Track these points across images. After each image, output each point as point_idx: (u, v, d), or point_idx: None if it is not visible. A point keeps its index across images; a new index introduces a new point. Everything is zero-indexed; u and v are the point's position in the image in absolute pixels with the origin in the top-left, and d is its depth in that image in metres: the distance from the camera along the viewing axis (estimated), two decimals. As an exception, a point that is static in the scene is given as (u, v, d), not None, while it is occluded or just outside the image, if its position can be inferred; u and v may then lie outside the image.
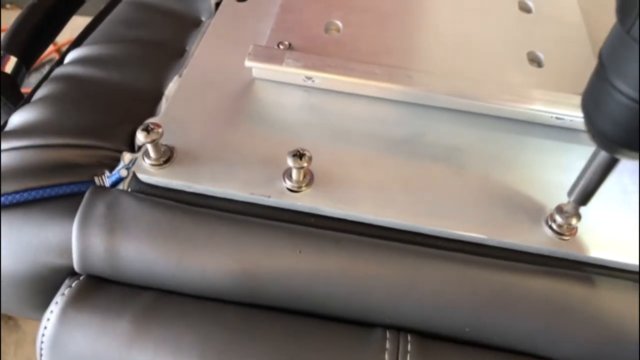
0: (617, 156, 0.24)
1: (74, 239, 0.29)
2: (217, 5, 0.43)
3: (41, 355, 0.29)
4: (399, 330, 0.29)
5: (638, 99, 0.20)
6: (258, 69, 0.34)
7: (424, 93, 0.33)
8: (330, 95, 0.35)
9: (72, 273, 0.30)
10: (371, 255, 0.28)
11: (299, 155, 0.28)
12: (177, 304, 0.29)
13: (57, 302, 0.29)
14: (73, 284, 0.29)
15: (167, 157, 0.30)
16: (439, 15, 0.41)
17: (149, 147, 0.30)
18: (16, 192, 0.30)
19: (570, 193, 0.27)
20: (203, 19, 0.43)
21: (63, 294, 0.29)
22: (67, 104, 0.35)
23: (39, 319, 0.34)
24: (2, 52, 0.43)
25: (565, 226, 0.28)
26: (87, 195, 0.30)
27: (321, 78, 0.34)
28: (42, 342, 0.29)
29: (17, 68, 0.43)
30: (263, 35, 0.38)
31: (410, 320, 0.28)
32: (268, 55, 0.34)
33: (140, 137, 0.29)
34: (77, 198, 0.30)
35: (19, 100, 0.41)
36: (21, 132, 0.33)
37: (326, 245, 0.28)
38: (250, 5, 0.42)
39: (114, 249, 0.29)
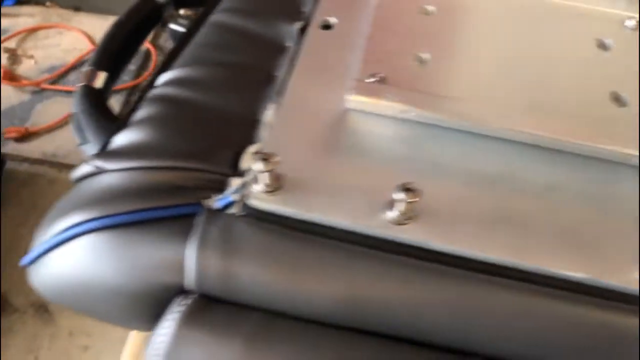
0: None
1: (192, 260, 0.30)
2: (301, 30, 0.45)
3: None
4: (496, 360, 0.30)
5: None
6: (353, 101, 0.36)
7: (521, 132, 0.35)
8: (424, 127, 0.36)
9: (181, 291, 0.32)
10: (476, 291, 0.30)
11: (408, 189, 0.29)
12: (287, 326, 0.30)
13: (172, 319, 0.31)
14: (187, 302, 0.31)
15: (277, 184, 0.32)
16: (519, 51, 0.42)
17: (263, 174, 0.31)
18: (130, 212, 0.32)
19: None
20: (287, 44, 0.45)
21: (177, 312, 0.31)
22: (170, 127, 0.37)
23: (139, 330, 0.36)
24: (92, 67, 0.45)
25: None
26: (203, 218, 0.31)
27: (419, 113, 0.35)
28: (155, 356, 0.31)
29: (106, 83, 0.45)
30: (351, 65, 0.40)
31: (509, 353, 0.30)
32: (368, 89, 0.35)
33: (259, 165, 0.30)
34: (186, 220, 0.32)
35: (109, 115, 0.43)
36: (130, 153, 0.35)
37: (432, 279, 0.30)
38: (336, 33, 0.43)
39: (229, 271, 0.30)
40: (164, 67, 0.43)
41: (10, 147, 1.28)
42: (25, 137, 1.29)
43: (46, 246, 0.34)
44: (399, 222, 0.31)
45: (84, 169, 0.35)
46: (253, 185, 0.32)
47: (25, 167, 1.27)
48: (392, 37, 0.41)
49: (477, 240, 0.31)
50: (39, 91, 1.36)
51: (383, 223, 0.31)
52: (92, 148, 0.41)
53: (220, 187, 0.34)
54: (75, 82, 1.38)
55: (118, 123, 0.39)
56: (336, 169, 0.33)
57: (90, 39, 1.45)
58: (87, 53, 1.42)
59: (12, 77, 1.35)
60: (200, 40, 0.44)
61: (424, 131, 0.36)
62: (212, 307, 0.31)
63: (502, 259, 0.30)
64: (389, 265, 0.30)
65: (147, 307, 0.33)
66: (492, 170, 0.34)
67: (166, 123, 0.37)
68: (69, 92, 1.35)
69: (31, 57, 1.40)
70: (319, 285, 0.30)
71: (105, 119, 0.42)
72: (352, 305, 0.30)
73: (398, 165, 0.34)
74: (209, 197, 0.33)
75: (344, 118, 0.36)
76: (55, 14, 1.50)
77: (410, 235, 0.31)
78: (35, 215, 1.23)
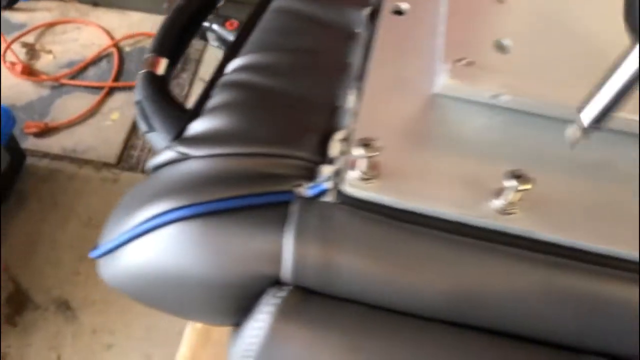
0: None
1: (290, 250, 0.29)
2: (370, 16, 0.43)
3: None
4: (610, 357, 0.29)
5: None
6: (446, 85, 0.34)
7: (620, 118, 0.33)
8: (517, 114, 0.35)
9: (274, 282, 0.30)
10: (591, 283, 0.28)
11: (519, 176, 0.28)
12: (389, 320, 0.29)
13: (266, 312, 0.29)
14: (282, 295, 0.29)
15: (374, 172, 0.30)
16: (601, 36, 0.40)
17: (361, 161, 0.30)
18: (221, 200, 0.30)
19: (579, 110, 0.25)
20: (357, 30, 0.43)
21: (273, 305, 0.29)
22: (250, 113, 0.35)
23: (220, 324, 0.35)
24: (153, 54, 0.44)
25: None
26: (298, 206, 0.30)
27: (514, 98, 0.34)
28: (247, 351, 0.29)
29: (167, 69, 0.44)
30: (432, 50, 0.38)
31: (625, 350, 0.28)
32: (462, 73, 0.34)
33: (359, 151, 0.29)
34: (280, 208, 0.31)
35: (175, 103, 0.42)
36: (215, 139, 0.33)
37: (544, 271, 0.28)
38: (409, 19, 0.42)
39: (329, 262, 0.29)
40: (231, 54, 0.42)
41: (30, 143, 1.26)
42: (44, 132, 1.27)
43: (126, 237, 0.32)
44: (505, 212, 0.30)
45: (166, 155, 0.33)
46: (348, 172, 0.31)
47: (45, 162, 1.26)
48: (469, 24, 0.40)
49: (587, 230, 0.29)
50: (58, 86, 1.34)
51: (490, 212, 0.29)
52: (159, 136, 0.40)
53: (309, 175, 0.32)
54: (94, 78, 1.37)
55: (190, 110, 0.38)
56: (432, 156, 0.32)
57: (109, 34, 1.44)
58: (106, 48, 1.40)
59: (30, 72, 1.33)
60: (267, 27, 0.43)
61: (518, 118, 0.34)
62: (309, 299, 0.29)
63: (614, 249, 0.29)
64: (498, 256, 0.28)
65: (234, 300, 0.31)
66: (591, 157, 0.33)
67: (245, 109, 0.35)
68: (88, 87, 1.34)
69: (49, 52, 1.38)
70: (425, 278, 0.28)
71: (172, 106, 0.41)
72: (458, 299, 0.28)
73: (496, 152, 0.33)
74: (299, 184, 0.31)
75: (433, 104, 0.35)
76: (73, 8, 1.48)
77: (520, 224, 0.29)
78: (56, 211, 1.21)
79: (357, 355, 0.28)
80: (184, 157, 0.33)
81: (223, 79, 0.39)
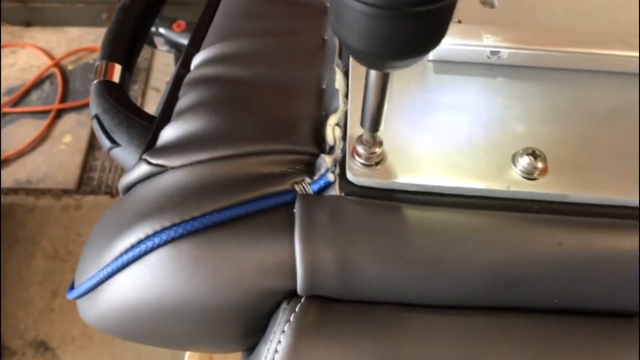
0: (382, 70, 0.22)
1: (300, 257, 0.25)
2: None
3: None
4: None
5: (371, 2, 0.17)
6: (440, 49, 0.31)
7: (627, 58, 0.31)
8: (515, 71, 0.32)
9: (287, 296, 0.27)
10: (631, 242, 0.26)
11: (532, 154, 0.26)
12: (426, 317, 0.26)
13: (284, 331, 0.25)
14: (298, 308, 0.26)
15: (379, 156, 0.27)
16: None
17: (364, 145, 0.26)
18: (216, 212, 0.26)
19: (362, 123, 0.25)
20: (328, 4, 0.40)
21: (289, 321, 0.26)
22: (229, 109, 0.31)
23: (225, 352, 0.31)
24: (104, 61, 0.39)
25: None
26: (300, 205, 0.26)
27: (514, 52, 0.31)
28: (270, 378, 0.26)
29: (123, 75, 0.39)
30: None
31: None
32: (463, 32, 0.31)
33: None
34: (281, 211, 0.27)
35: (138, 111, 0.37)
36: (194, 144, 0.29)
37: (586, 234, 0.26)
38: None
39: (347, 262, 0.25)
40: (193, 48, 0.37)
41: (-21, 180, 1.18)
42: (-7, 166, 1.19)
43: (107, 271, 0.28)
44: (530, 177, 0.27)
45: (139, 171, 0.29)
46: (352, 160, 0.27)
47: (-2, 199, 1.17)
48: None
49: (613, 184, 0.27)
50: (0, 115, 1.26)
51: (515, 180, 0.27)
52: (126, 151, 0.35)
53: (308, 169, 0.29)
54: (38, 102, 1.28)
55: (157, 117, 0.34)
56: (437, 129, 0.29)
57: (47, 53, 1.35)
58: (47, 69, 1.32)
59: (-32, 105, 1.24)
60: (230, 11, 0.39)
61: (517, 74, 0.32)
62: (330, 309, 0.26)
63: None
64: (536, 226, 0.26)
65: (243, 323, 0.28)
66: (607, 106, 0.30)
67: (222, 106, 0.31)
68: (33, 113, 1.26)
69: (-15, 80, 1.29)
70: (458, 262, 0.25)
71: (136, 115, 0.36)
72: (500, 280, 0.25)
73: (504, 115, 0.30)
74: (300, 181, 0.28)
75: (425, 71, 0.32)
76: (5, 31, 1.38)
77: (545, 189, 0.26)
78: (18, 248, 1.13)
79: None
80: (161, 170, 0.28)
81: (189, 77, 0.34)
